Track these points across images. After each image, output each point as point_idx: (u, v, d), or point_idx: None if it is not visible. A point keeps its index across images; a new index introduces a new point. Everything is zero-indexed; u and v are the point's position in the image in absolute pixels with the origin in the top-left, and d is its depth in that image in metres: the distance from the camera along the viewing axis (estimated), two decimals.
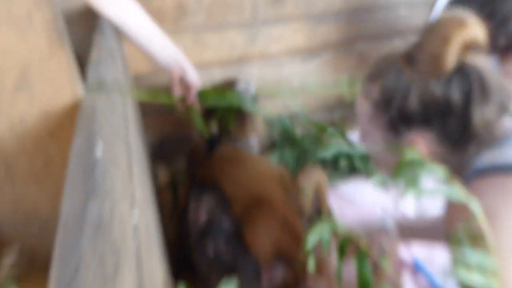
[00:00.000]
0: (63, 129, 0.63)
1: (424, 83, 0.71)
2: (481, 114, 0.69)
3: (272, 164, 1.53)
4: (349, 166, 1.70)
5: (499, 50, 1.35)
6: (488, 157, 0.70)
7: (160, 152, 1.78)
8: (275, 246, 1.15)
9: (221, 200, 1.24)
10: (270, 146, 1.81)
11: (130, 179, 0.59)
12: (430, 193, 0.58)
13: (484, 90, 0.70)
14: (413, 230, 1.13)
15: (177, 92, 1.14)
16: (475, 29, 0.70)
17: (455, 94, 0.70)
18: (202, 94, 1.18)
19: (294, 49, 1.77)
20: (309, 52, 1.79)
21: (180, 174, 1.72)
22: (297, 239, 1.21)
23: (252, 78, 1.76)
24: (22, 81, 0.60)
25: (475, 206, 0.57)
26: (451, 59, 0.69)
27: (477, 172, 0.68)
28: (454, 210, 0.66)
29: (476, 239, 0.56)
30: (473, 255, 0.54)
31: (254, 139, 1.55)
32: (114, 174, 0.49)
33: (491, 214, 0.58)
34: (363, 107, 0.82)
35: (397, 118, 0.75)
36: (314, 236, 0.65)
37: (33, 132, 0.63)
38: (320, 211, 1.49)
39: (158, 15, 1.48)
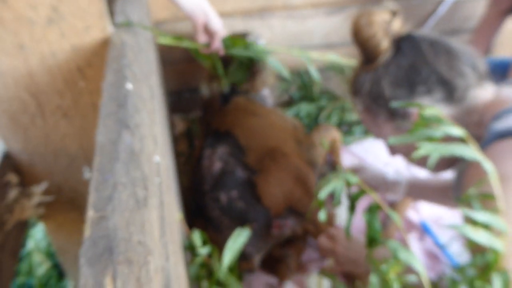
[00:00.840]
0: (91, 66, 0.64)
1: (384, 65, 0.80)
2: (446, 67, 0.76)
3: (286, 116, 1.54)
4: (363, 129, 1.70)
5: None
6: (504, 123, 0.70)
7: (177, 101, 1.80)
8: (287, 198, 1.17)
9: (236, 149, 1.26)
10: (288, 101, 1.81)
11: (153, 119, 0.61)
12: (445, 150, 0.58)
13: (433, 45, 0.78)
14: (423, 189, 1.14)
15: (201, 39, 1.14)
16: (386, 13, 0.82)
17: (410, 57, 0.79)
18: (227, 42, 1.17)
19: (319, 2, 1.73)
20: (334, 6, 1.75)
21: (196, 125, 1.74)
22: (309, 192, 1.23)
23: (273, 30, 1.74)
24: (54, 15, 0.60)
25: (488, 167, 0.57)
26: (382, 34, 0.79)
27: (493, 137, 0.68)
28: (472, 173, 0.67)
29: (487, 200, 0.57)
30: (481, 214, 0.55)
31: (266, 91, 1.55)
32: (142, 110, 0.50)
33: (505, 176, 0.59)
34: (365, 119, 0.90)
35: (388, 108, 0.81)
36: (327, 188, 0.66)
37: (63, 67, 0.64)
38: (333, 166, 1.51)
39: None
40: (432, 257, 1.22)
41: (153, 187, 0.45)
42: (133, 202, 0.35)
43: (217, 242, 1.15)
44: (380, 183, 1.12)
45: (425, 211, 1.32)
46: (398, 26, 0.83)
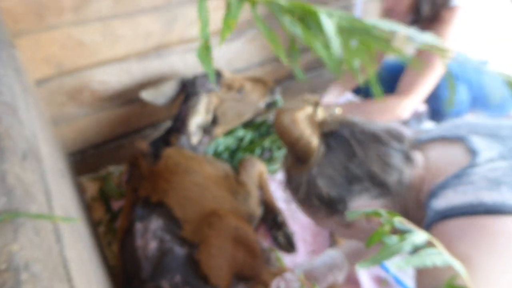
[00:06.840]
0: None
1: (317, 165, 0.75)
2: (378, 165, 0.73)
3: (217, 163, 1.45)
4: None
5: (423, 19, 1.36)
6: (441, 201, 0.68)
7: (81, 161, 1.60)
8: (231, 265, 1.11)
9: (170, 222, 1.15)
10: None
11: None
12: (418, 262, 0.55)
13: (362, 142, 0.74)
14: (360, 254, 1.12)
15: None
16: (307, 106, 0.76)
17: (341, 156, 0.74)
18: None
19: (216, 30, 1.62)
20: (232, 32, 1.66)
21: (110, 182, 1.57)
22: (251, 251, 1.18)
23: (174, 67, 1.61)
24: None
25: (459, 268, 0.55)
26: (310, 131, 0.74)
27: (435, 217, 0.67)
28: (425, 274, 0.64)
29: None
30: None
31: (195, 127, 1.44)
32: None
33: (465, 263, 0.56)
34: (307, 213, 0.85)
35: (327, 206, 0.77)
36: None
37: None
38: (266, 205, 1.47)
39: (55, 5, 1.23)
40: (380, 282, 1.25)
41: None
42: None
43: None
44: (328, 270, 1.10)
45: None
46: (321, 116, 0.78)
